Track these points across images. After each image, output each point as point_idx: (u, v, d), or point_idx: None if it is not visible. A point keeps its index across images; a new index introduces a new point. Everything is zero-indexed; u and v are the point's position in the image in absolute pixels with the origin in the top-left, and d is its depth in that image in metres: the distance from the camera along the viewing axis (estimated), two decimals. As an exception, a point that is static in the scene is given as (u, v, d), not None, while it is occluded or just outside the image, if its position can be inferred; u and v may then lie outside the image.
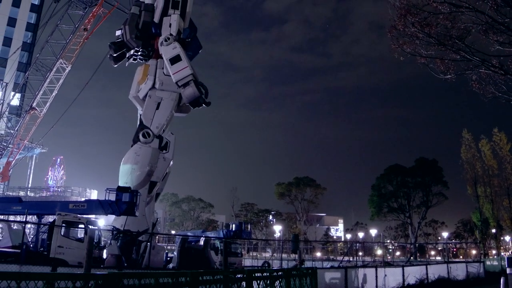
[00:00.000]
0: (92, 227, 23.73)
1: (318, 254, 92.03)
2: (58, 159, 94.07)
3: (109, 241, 27.33)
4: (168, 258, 33.33)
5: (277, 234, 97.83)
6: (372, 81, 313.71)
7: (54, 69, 59.83)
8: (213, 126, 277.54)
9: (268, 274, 15.44)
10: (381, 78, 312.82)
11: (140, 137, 29.40)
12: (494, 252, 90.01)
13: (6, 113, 62.22)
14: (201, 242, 37.38)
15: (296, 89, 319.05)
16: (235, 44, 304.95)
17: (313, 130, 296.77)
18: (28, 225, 30.96)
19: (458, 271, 37.29)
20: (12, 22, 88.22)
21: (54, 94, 61.96)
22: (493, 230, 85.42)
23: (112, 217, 27.44)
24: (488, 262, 50.70)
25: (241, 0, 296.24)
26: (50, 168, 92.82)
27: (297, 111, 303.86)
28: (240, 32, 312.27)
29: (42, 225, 26.11)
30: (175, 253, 33.44)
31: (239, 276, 14.35)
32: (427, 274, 33.21)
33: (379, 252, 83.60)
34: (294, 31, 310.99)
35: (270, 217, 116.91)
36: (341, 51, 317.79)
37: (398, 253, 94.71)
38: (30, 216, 25.88)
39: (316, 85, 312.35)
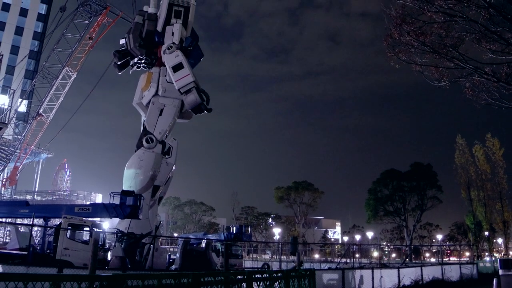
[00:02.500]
0: (97, 229, 23.79)
1: (316, 256, 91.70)
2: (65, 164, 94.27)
3: (113, 244, 27.31)
4: (171, 260, 33.35)
5: (277, 237, 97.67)
6: (347, 88, 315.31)
7: (60, 76, 59.83)
8: (210, 133, 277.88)
9: (267, 275, 15.41)
10: (347, 86, 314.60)
11: (144, 142, 29.43)
12: (487, 254, 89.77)
13: (14, 119, 62.03)
14: (203, 245, 37.35)
15: (267, 96, 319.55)
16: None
17: (300, 136, 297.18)
18: (35, 228, 30.93)
19: (452, 272, 37.28)
20: (19, 31, 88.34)
21: (60, 100, 62.00)
22: (486, 233, 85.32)
23: (116, 220, 27.45)
24: (481, 264, 50.65)
25: (196, 16, 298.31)
26: (56, 173, 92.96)
27: (272, 118, 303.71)
28: (202, 41, 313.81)
29: (48, 228, 26.11)
30: (177, 255, 33.46)
31: (239, 277, 14.33)
32: (422, 275, 33.21)
33: (375, 254, 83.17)
34: (251, 42, 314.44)
35: (270, 220, 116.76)
36: (298, 60, 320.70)
37: (394, 255, 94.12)
38: (37, 219, 25.85)
39: (284, 92, 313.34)
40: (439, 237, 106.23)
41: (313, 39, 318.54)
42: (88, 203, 54.51)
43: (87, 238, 23.61)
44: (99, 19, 58.24)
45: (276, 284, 15.33)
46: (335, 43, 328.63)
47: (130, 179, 28.79)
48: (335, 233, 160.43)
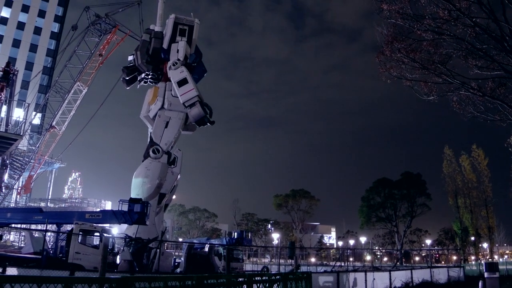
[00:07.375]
0: (107, 235, 23.67)
1: (313, 259, 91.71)
2: (77, 174, 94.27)
3: (122, 248, 27.23)
4: (176, 263, 33.20)
5: (275, 242, 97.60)
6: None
7: (72, 91, 59.83)
8: (207, 144, 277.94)
9: (267, 278, 15.36)
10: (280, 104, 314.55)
11: (151, 153, 29.44)
12: (473, 258, 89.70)
13: (28, 131, 61.99)
14: (206, 249, 37.20)
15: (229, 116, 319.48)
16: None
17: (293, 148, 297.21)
18: (48, 233, 30.82)
19: (440, 275, 37.13)
20: (33, 48, 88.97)
21: (72, 113, 61.97)
22: (472, 238, 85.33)
23: (125, 226, 27.38)
24: (467, 267, 50.56)
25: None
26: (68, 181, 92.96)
27: (236, 133, 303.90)
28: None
29: (61, 233, 26.04)
30: (182, 258, 33.29)
31: (240, 279, 14.28)
32: (412, 278, 33.06)
33: (368, 257, 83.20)
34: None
35: (269, 226, 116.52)
36: (231, 79, 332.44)
37: (385, 259, 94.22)
38: (50, 225, 25.79)
39: (237, 110, 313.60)
40: (428, 242, 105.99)
41: (233, 60, 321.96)
42: (98, 210, 54.34)
43: (97, 243, 23.53)
44: (108, 37, 58.31)
45: (275, 286, 15.27)
46: (269, 64, 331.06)
47: (137, 188, 28.77)
48: (330, 238, 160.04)
